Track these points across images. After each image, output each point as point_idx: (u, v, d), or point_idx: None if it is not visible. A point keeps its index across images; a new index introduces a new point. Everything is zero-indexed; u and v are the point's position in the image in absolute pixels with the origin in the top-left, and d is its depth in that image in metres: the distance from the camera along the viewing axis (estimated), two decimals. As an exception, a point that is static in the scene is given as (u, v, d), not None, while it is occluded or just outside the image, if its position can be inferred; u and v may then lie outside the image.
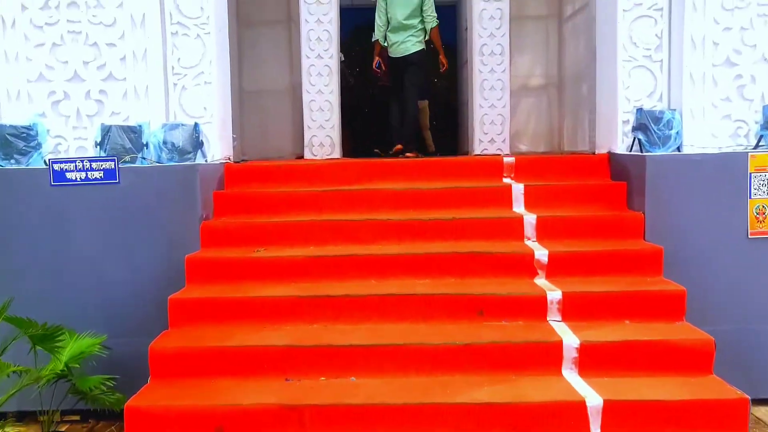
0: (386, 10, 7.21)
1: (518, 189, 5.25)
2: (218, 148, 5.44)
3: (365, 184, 5.53)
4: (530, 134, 8.48)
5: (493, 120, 7.41)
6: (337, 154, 7.18)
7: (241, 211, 5.27)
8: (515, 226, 4.93)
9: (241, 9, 8.06)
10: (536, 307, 4.28)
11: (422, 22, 7.14)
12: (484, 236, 4.90)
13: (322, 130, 7.19)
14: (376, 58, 7.54)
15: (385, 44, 7.39)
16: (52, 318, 4.11)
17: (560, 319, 4.24)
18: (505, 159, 5.66)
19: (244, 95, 8.06)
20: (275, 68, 8.31)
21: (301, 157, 7.23)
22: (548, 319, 4.26)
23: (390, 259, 4.66)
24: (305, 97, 7.21)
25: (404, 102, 7.30)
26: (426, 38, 7.26)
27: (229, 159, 5.72)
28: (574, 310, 4.25)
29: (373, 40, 7.52)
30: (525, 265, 4.60)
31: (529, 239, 4.89)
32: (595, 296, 4.28)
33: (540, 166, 5.64)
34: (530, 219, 4.92)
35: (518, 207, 5.20)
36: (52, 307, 4.59)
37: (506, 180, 5.53)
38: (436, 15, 7.16)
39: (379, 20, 7.28)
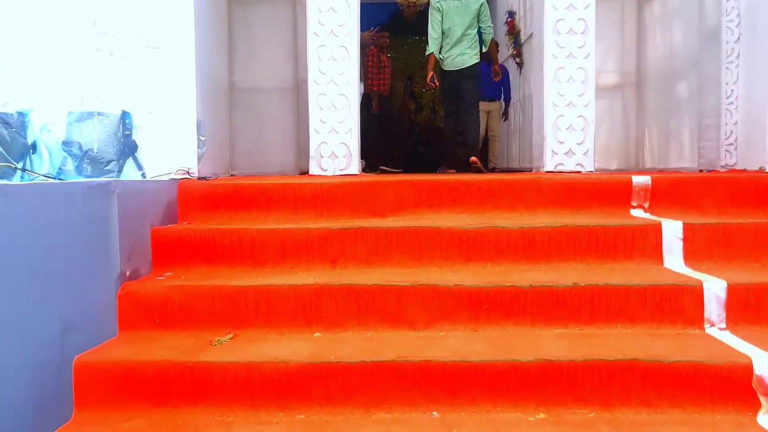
0: (441, 21, 6.48)
1: (671, 230, 3.06)
2: (168, 156, 3.31)
3: (408, 215, 3.38)
4: (599, 147, 6.32)
5: (572, 125, 5.23)
6: (354, 168, 5.02)
7: (199, 261, 3.11)
8: (686, 301, 2.71)
9: (232, -21, 6.07)
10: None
11: (479, 33, 6.57)
12: (630, 317, 2.71)
13: (335, 135, 4.98)
14: (431, 72, 6.69)
15: (441, 57, 6.57)
16: None
17: None
18: (635, 180, 3.48)
19: (234, 94, 6.10)
20: (275, 59, 6.39)
21: (306, 172, 5.06)
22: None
23: (467, 370, 2.46)
24: (312, 90, 5.02)
25: (466, 115, 6.66)
26: (485, 50, 6.66)
27: (188, 173, 3.59)
28: None
29: (427, 53, 6.65)
30: (734, 387, 2.37)
31: (713, 325, 2.68)
32: None
33: (692, 191, 3.46)
34: (713, 288, 2.71)
35: (675, 261, 3.02)
36: None
37: (640, 213, 3.36)
38: (492, 25, 6.64)
39: (434, 32, 6.52)
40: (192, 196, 3.39)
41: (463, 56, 6.52)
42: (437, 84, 6.72)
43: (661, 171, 5.82)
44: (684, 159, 5.99)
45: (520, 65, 8.44)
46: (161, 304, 2.79)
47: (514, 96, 8.80)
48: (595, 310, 2.70)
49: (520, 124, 8.45)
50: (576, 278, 2.77)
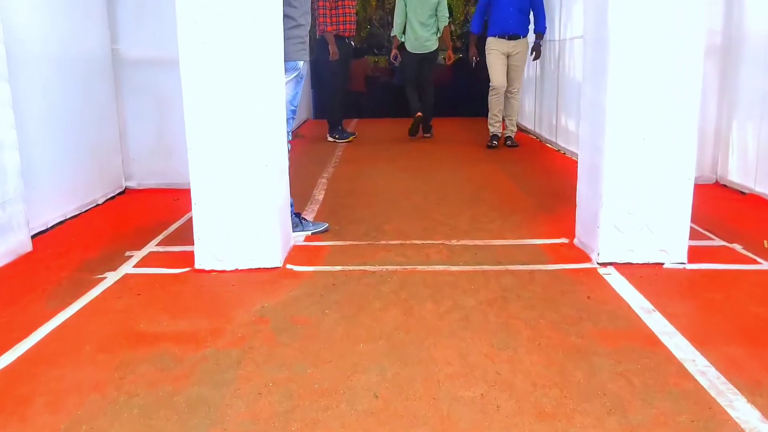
0: (405, 11, 7.99)
1: None
2: None
3: None
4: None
5: None
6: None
7: None
8: None
9: None
10: None
11: (437, 21, 8.01)
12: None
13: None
14: (395, 51, 8.35)
15: (403, 39, 8.15)
16: None
17: None
18: None
19: (121, 69, 5.18)
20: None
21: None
22: None
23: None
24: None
25: (424, 91, 8.20)
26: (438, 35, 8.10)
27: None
28: None
29: (392, 35, 8.39)
30: None
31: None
32: None
33: None
34: None
35: None
36: None
37: None
38: (448, 15, 8.11)
39: (398, 19, 8.10)
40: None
41: (427, 42, 8.03)
42: (400, 60, 8.27)
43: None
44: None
45: None
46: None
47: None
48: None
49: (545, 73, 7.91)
50: None
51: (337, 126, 8.21)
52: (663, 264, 3.23)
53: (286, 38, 3.55)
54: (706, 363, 2.25)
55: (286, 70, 3.64)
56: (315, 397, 2.08)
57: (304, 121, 10.62)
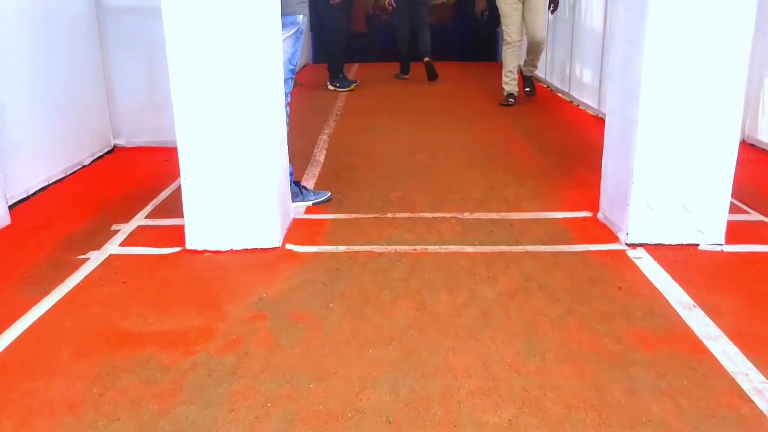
0: None
1: None
2: None
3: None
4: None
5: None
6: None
7: None
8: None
9: None
10: None
11: None
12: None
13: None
14: None
15: None
16: None
17: None
18: None
19: (105, 17, 4.77)
20: None
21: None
22: None
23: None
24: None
25: (420, 33, 8.15)
26: None
27: None
28: None
29: None
30: None
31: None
32: None
33: None
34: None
35: None
36: None
37: None
38: None
39: None
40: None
41: None
42: (395, 5, 8.20)
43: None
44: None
45: None
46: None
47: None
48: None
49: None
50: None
51: (338, 74, 7.81)
52: (698, 245, 2.95)
53: (283, -11, 3.20)
54: (762, 379, 1.99)
55: (284, 26, 3.29)
56: (319, 422, 1.82)
57: (303, 66, 10.19)
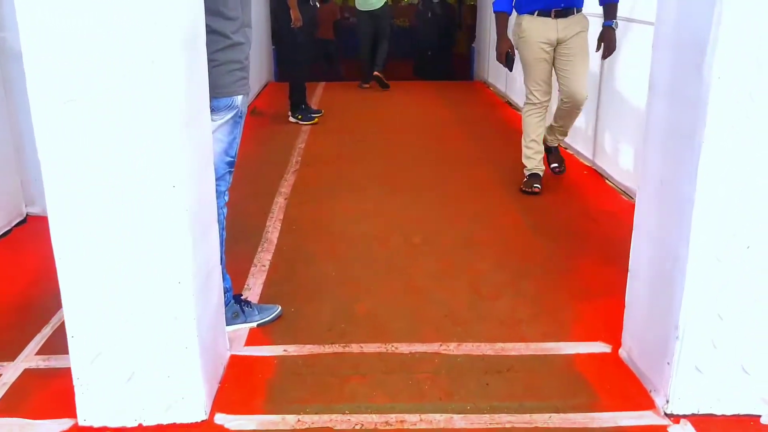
0: None
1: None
2: None
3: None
4: None
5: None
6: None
7: None
8: None
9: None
10: None
11: None
12: None
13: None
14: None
15: None
16: None
17: None
18: None
19: (9, 63, 3.91)
20: None
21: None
22: None
23: None
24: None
25: (380, 44, 8.78)
26: None
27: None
28: None
29: None
30: None
31: None
32: None
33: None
34: None
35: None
36: None
37: None
38: None
39: None
40: None
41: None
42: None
43: None
44: None
45: None
46: None
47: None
48: None
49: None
50: None
51: (300, 105, 7.01)
52: (760, 417, 2.25)
53: (214, 65, 2.42)
54: None
55: (218, 110, 2.52)
56: None
57: (266, 85, 9.41)
